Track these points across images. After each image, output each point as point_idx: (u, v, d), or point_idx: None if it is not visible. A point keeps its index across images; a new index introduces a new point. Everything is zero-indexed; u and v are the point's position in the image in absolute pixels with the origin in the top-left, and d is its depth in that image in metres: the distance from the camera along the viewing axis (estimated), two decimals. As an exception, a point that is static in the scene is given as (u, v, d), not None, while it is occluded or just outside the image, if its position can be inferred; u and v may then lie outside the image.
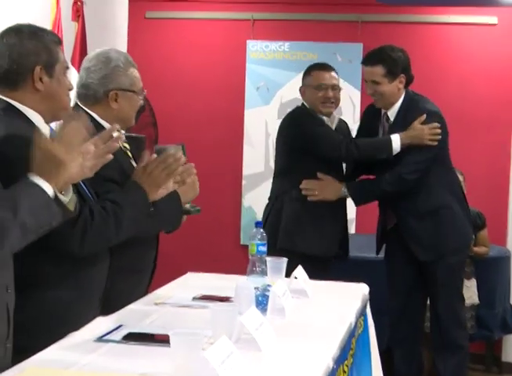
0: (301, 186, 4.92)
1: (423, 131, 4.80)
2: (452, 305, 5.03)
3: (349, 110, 7.39)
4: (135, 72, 3.47)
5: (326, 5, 7.27)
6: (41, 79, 2.75)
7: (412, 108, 4.89)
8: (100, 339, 2.66)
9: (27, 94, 2.75)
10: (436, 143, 4.83)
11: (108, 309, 2.99)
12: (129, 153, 3.46)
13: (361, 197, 5.07)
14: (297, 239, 4.94)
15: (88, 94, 3.41)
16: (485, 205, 6.40)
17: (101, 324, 2.82)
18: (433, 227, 4.90)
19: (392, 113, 4.94)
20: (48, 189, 2.27)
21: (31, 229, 2.23)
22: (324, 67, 5.11)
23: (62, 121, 2.47)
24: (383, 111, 4.99)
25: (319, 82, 5.01)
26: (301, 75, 7.44)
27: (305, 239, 4.92)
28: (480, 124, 7.16)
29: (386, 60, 4.80)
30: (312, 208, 4.97)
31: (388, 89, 4.83)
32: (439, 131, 4.84)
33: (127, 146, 3.49)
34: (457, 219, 4.98)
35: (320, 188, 4.94)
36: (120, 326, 2.82)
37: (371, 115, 5.13)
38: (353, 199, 5.04)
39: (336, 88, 5.05)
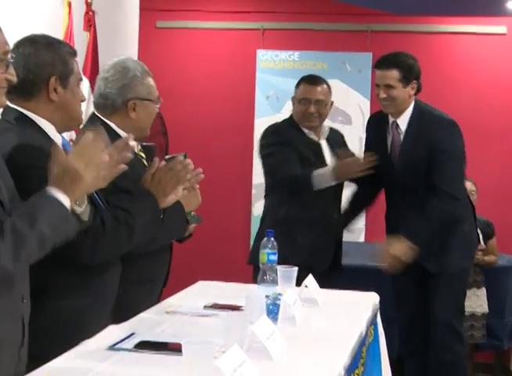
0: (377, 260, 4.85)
1: (350, 166, 4.76)
2: (451, 314, 4.89)
3: (359, 119, 7.41)
4: (151, 81, 3.48)
5: (336, 14, 7.29)
6: (55, 89, 2.76)
7: (427, 117, 4.77)
8: (112, 347, 2.66)
9: (41, 104, 2.76)
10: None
11: (120, 317, 2.99)
12: (145, 162, 3.47)
13: (423, 239, 4.70)
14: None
15: (106, 104, 3.41)
16: (495, 214, 6.39)
17: (113, 332, 2.82)
18: (442, 240, 4.77)
19: (403, 122, 4.80)
20: (66, 201, 2.28)
21: (49, 240, 2.23)
22: (311, 81, 5.01)
23: (81, 133, 2.47)
24: (391, 120, 4.85)
25: (302, 96, 4.93)
26: (310, 85, 7.53)
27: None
28: (492, 133, 7.16)
29: (402, 65, 4.72)
30: (293, 224, 4.86)
31: (402, 94, 4.71)
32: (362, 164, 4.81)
33: (143, 155, 3.51)
34: (466, 232, 4.88)
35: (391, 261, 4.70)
36: (132, 334, 2.82)
37: (376, 126, 5.01)
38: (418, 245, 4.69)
39: (320, 103, 4.93)
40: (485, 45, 7.25)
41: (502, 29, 7.19)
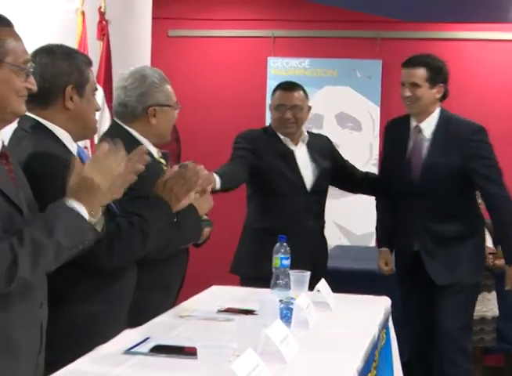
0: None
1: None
2: (459, 331, 4.67)
3: (369, 125, 7.42)
4: (169, 87, 3.52)
5: (346, 22, 7.29)
6: (71, 98, 2.77)
7: (456, 123, 4.61)
8: (128, 351, 2.66)
9: (57, 112, 2.77)
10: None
11: (136, 321, 3.00)
12: (164, 168, 3.48)
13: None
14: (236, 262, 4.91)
15: (126, 112, 3.44)
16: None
17: (128, 337, 2.83)
18: (455, 253, 4.60)
19: (427, 126, 4.59)
20: (83, 212, 2.29)
21: (65, 250, 2.25)
22: (287, 87, 4.88)
23: (100, 142, 2.49)
24: (413, 124, 4.64)
25: (278, 102, 4.80)
26: (321, 91, 7.56)
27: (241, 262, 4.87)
28: (499, 138, 7.13)
29: (430, 65, 4.55)
30: (261, 233, 4.69)
31: (427, 95, 4.52)
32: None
33: (163, 161, 3.53)
34: (477, 245, 4.71)
35: None
36: (147, 338, 2.83)
37: (395, 130, 4.81)
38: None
39: (297, 109, 4.77)
40: (494, 51, 7.24)
41: (510, 35, 7.18)
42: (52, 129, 2.76)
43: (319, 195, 4.88)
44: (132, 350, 2.68)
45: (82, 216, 2.29)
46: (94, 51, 4.88)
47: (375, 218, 5.17)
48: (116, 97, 3.51)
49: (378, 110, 7.32)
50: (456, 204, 4.60)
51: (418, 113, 4.60)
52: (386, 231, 4.99)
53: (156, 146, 3.51)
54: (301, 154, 4.84)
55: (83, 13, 4.92)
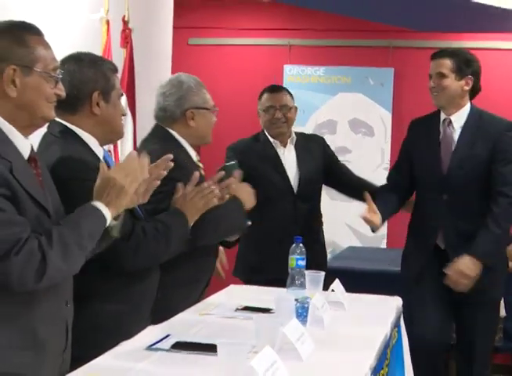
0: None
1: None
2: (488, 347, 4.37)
3: (381, 131, 7.41)
4: (206, 92, 3.61)
5: (359, 31, 7.28)
6: (98, 104, 2.78)
7: (488, 117, 4.29)
8: (150, 348, 2.67)
9: (84, 118, 2.78)
10: None
11: (159, 316, 3.01)
12: (202, 172, 3.57)
13: (491, 256, 4.13)
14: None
15: (165, 116, 3.54)
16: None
17: (150, 334, 2.84)
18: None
19: (458, 119, 4.25)
20: (108, 215, 2.30)
21: (88, 251, 2.26)
22: (272, 89, 4.84)
23: (129, 153, 2.50)
24: (442, 117, 4.30)
25: (267, 104, 4.74)
26: (335, 98, 7.54)
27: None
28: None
29: (457, 56, 4.23)
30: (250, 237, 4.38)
31: (454, 86, 4.19)
32: None
33: (201, 165, 3.62)
34: (501, 253, 4.28)
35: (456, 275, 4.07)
36: (168, 335, 2.83)
37: (422, 125, 4.43)
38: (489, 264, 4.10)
39: (285, 108, 4.74)
40: (502, 60, 7.22)
41: (518, 45, 7.17)
42: (79, 134, 2.77)
43: (308, 198, 4.74)
44: (154, 346, 2.69)
45: (106, 219, 2.29)
46: (118, 58, 4.88)
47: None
48: (156, 103, 3.61)
49: (390, 116, 7.30)
50: (486, 204, 4.13)
51: (445, 106, 4.28)
52: (384, 203, 4.43)
53: (195, 148, 3.60)
54: (289, 156, 4.77)
55: (108, 22, 4.93)
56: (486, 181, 4.15)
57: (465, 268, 4.00)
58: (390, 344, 3.25)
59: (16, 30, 2.27)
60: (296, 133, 4.86)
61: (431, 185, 4.30)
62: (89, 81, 2.78)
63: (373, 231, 4.41)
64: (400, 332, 3.61)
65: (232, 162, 3.79)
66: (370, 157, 7.42)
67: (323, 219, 4.95)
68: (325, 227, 4.98)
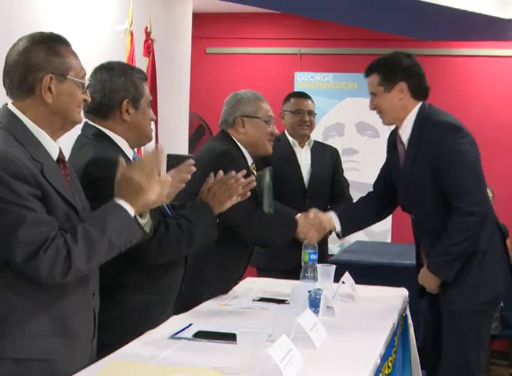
0: None
1: None
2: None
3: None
4: (262, 103, 3.63)
5: (365, 40, 7.26)
6: (127, 111, 2.77)
7: (428, 124, 3.46)
8: (174, 336, 2.66)
9: (116, 124, 2.77)
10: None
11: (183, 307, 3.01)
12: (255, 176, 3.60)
13: (449, 268, 3.44)
14: None
15: (222, 121, 3.64)
16: (509, 217, 6.31)
17: (174, 323, 2.83)
18: (460, 275, 3.45)
19: (404, 133, 3.53)
20: (131, 210, 2.28)
21: (116, 245, 2.24)
22: (302, 95, 4.96)
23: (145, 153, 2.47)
24: (398, 131, 3.62)
25: (296, 107, 4.82)
26: (343, 102, 7.53)
27: None
28: (504, 146, 7.10)
29: (381, 67, 3.53)
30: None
31: (386, 101, 3.49)
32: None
33: (255, 172, 3.61)
34: (489, 267, 3.47)
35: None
36: (190, 324, 2.82)
37: (391, 142, 3.75)
38: (448, 275, 3.47)
39: (311, 114, 4.85)
40: (499, 66, 7.19)
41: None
42: (111, 137, 2.77)
43: (317, 195, 4.71)
44: (177, 335, 2.68)
45: (129, 214, 2.28)
46: (141, 66, 4.86)
47: (390, 216, 5.02)
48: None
49: (394, 119, 7.28)
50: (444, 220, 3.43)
51: (392, 123, 3.62)
52: (353, 209, 4.01)
53: (252, 155, 3.62)
54: (305, 156, 4.84)
55: (131, 33, 4.94)
56: (440, 194, 3.45)
57: (421, 277, 3.57)
58: (397, 332, 3.23)
59: (50, 41, 2.28)
60: (316, 141, 4.95)
61: (399, 203, 3.75)
62: (120, 89, 2.75)
63: (339, 237, 3.88)
64: (406, 321, 3.59)
65: (266, 170, 3.66)
66: (376, 158, 7.26)
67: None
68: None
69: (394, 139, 3.67)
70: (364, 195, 3.96)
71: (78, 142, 2.77)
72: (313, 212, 3.70)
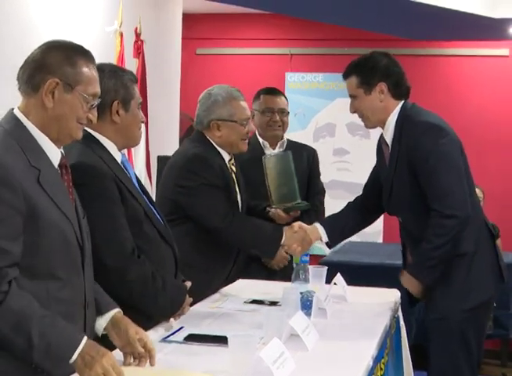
0: None
1: None
2: None
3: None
4: (237, 104, 3.56)
5: (356, 40, 7.25)
6: (117, 112, 2.77)
7: (408, 124, 3.33)
8: (164, 340, 2.65)
9: (106, 125, 2.76)
10: None
11: None
12: (234, 176, 3.64)
13: (432, 272, 3.29)
14: None
15: (197, 122, 3.59)
16: (499, 215, 6.31)
17: (165, 326, 2.81)
18: (443, 277, 3.30)
19: (387, 134, 3.40)
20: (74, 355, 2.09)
21: (34, 350, 2.04)
22: (272, 92, 4.49)
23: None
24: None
25: (265, 106, 4.40)
26: (334, 103, 7.51)
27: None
28: (494, 145, 7.10)
29: (358, 68, 3.39)
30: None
31: (366, 103, 3.36)
32: None
33: (234, 168, 3.63)
34: (477, 270, 3.32)
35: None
36: (181, 327, 2.80)
37: (378, 148, 3.64)
38: (431, 279, 3.31)
39: (284, 112, 4.42)
40: (489, 66, 7.20)
41: (505, 51, 7.14)
42: (100, 140, 2.76)
43: None
44: (168, 339, 2.67)
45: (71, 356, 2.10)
46: (131, 67, 4.83)
47: (382, 217, 4.95)
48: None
49: (385, 119, 7.28)
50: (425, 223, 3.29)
51: (375, 126, 3.47)
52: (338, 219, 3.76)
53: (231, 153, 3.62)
54: None
55: (121, 34, 4.92)
56: (422, 197, 3.31)
57: (404, 281, 3.40)
58: (390, 333, 3.21)
59: (71, 50, 2.28)
60: (290, 141, 4.53)
61: (384, 206, 3.60)
62: (110, 90, 2.74)
63: (330, 247, 3.72)
64: (398, 322, 3.58)
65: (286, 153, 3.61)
66: (367, 158, 7.27)
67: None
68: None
69: (380, 144, 3.56)
70: (351, 201, 3.81)
71: (66, 147, 2.73)
72: (298, 225, 3.58)
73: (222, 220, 3.34)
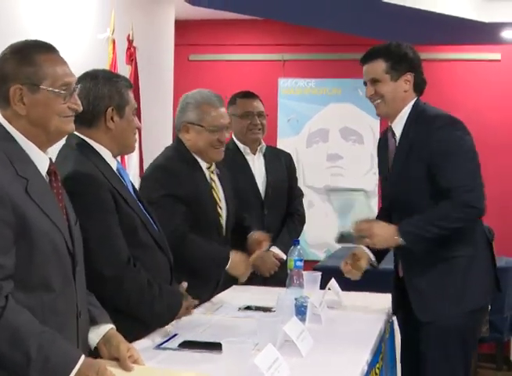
0: (354, 228, 3.34)
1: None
2: None
3: (369, 138, 7.39)
4: (210, 109, 3.50)
5: (348, 45, 7.25)
6: (112, 119, 2.76)
7: (424, 118, 3.33)
8: (159, 347, 2.64)
9: (100, 132, 2.75)
10: None
11: None
12: (214, 186, 3.60)
13: (416, 242, 3.22)
14: None
15: (175, 124, 3.64)
16: (495, 219, 6.30)
17: (159, 333, 2.80)
18: (439, 279, 3.24)
19: (397, 126, 3.37)
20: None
21: (31, 359, 2.02)
22: (248, 95, 4.42)
23: None
24: (389, 124, 3.45)
25: (244, 110, 4.33)
26: (327, 108, 7.51)
27: None
28: (487, 149, 7.09)
29: (388, 53, 3.35)
30: None
31: (391, 89, 3.31)
32: None
33: (211, 175, 3.60)
34: (474, 273, 3.26)
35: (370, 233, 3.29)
36: (175, 334, 2.80)
37: (381, 142, 3.58)
38: (410, 246, 3.23)
39: (262, 115, 4.35)
40: (482, 70, 7.22)
41: (497, 56, 7.16)
42: (95, 147, 2.75)
43: (274, 205, 4.32)
44: (162, 346, 2.66)
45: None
46: (123, 74, 4.84)
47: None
48: None
49: (378, 124, 7.27)
50: None
51: (389, 114, 3.39)
52: None
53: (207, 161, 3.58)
54: (258, 163, 4.39)
55: (113, 41, 4.91)
56: (431, 195, 3.25)
57: (375, 227, 3.27)
58: (384, 338, 3.21)
59: (26, 49, 2.21)
60: (268, 146, 4.49)
61: (389, 206, 3.49)
62: (104, 97, 2.74)
63: (375, 267, 3.56)
64: (392, 326, 3.57)
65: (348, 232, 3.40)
66: (360, 163, 7.39)
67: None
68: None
69: (385, 139, 3.50)
70: (377, 214, 3.66)
71: (61, 154, 2.75)
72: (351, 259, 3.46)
73: (172, 233, 3.16)
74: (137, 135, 3.79)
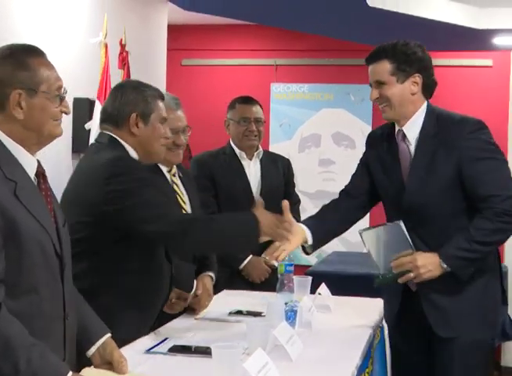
0: (394, 265, 3.08)
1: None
2: None
3: (362, 143, 7.30)
4: (167, 113, 3.10)
5: (340, 51, 7.30)
6: (137, 125, 2.86)
7: (446, 121, 3.14)
8: (149, 351, 2.65)
9: (127, 135, 2.87)
10: None
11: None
12: (176, 189, 3.53)
13: (462, 266, 3.00)
14: None
15: None
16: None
17: (149, 337, 2.81)
18: (461, 295, 3.05)
19: (411, 130, 3.14)
20: None
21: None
22: (247, 101, 4.41)
23: None
24: (396, 128, 3.20)
25: (241, 116, 4.33)
26: (319, 113, 7.54)
27: None
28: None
29: (394, 54, 3.10)
30: None
31: (397, 92, 3.09)
32: None
33: (175, 180, 3.53)
34: (491, 284, 3.12)
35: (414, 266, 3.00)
36: (165, 339, 2.81)
37: (378, 140, 3.32)
38: (456, 272, 3.00)
39: (259, 122, 4.34)
40: (474, 76, 7.25)
41: (488, 62, 7.19)
42: (124, 145, 2.87)
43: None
44: (152, 350, 2.67)
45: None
46: (116, 78, 4.85)
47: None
48: None
49: (370, 128, 7.29)
50: (455, 229, 3.03)
51: (396, 117, 3.17)
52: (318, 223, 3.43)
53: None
54: (253, 169, 4.38)
55: (106, 45, 4.91)
56: (457, 200, 3.07)
57: (419, 257, 3.00)
58: (374, 343, 3.22)
59: (19, 54, 2.22)
60: (264, 151, 4.49)
61: (394, 211, 3.24)
62: (129, 103, 2.87)
63: (307, 254, 3.37)
64: (383, 332, 3.58)
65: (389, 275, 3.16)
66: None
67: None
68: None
69: (383, 136, 3.29)
70: (325, 204, 3.61)
71: (93, 149, 2.93)
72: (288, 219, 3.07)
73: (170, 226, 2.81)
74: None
